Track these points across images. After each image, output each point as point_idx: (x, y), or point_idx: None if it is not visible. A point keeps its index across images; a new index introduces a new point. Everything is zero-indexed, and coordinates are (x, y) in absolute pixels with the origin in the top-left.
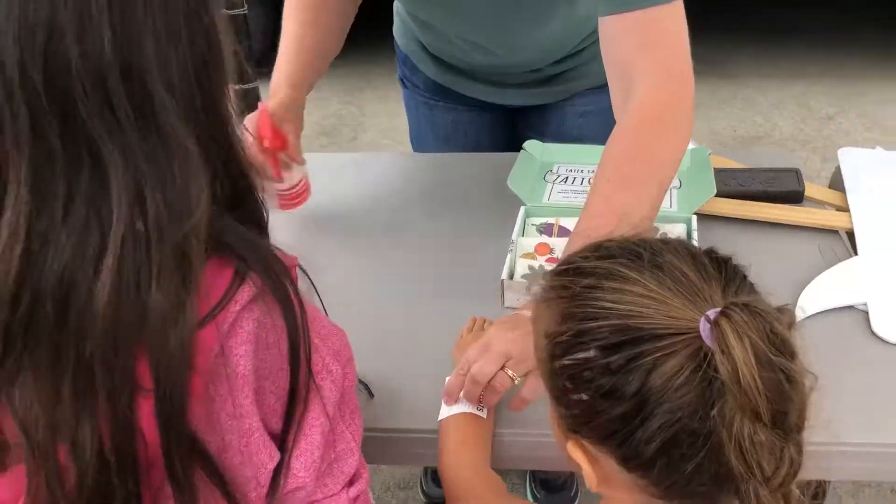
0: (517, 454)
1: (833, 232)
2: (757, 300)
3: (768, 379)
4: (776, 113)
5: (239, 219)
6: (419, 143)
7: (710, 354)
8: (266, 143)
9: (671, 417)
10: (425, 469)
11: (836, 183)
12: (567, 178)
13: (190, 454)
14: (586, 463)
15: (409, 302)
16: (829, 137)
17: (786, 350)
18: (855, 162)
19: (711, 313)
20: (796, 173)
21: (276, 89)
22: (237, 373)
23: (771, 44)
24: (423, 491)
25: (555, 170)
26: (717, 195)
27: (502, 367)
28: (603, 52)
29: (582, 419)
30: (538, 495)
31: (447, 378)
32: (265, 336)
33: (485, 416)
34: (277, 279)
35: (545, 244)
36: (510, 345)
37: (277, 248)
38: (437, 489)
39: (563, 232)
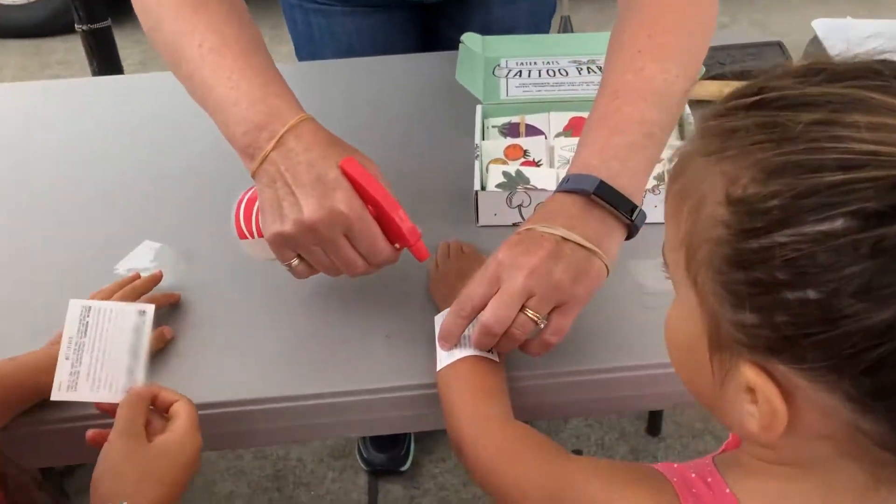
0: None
1: None
2: None
3: None
4: None
5: None
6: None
7: None
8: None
9: None
10: None
11: (810, 53)
12: (521, 71)
13: None
14: (779, 398)
15: None
16: None
17: None
18: (830, 30)
19: None
20: (779, 45)
21: (275, 126)
22: None
23: None
24: (362, 458)
25: (503, 64)
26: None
27: (522, 308)
28: None
29: (798, 331)
30: (365, 454)
31: (436, 318)
32: None
33: (497, 360)
34: None
35: (516, 146)
36: (529, 277)
37: None
38: (377, 454)
39: (532, 131)
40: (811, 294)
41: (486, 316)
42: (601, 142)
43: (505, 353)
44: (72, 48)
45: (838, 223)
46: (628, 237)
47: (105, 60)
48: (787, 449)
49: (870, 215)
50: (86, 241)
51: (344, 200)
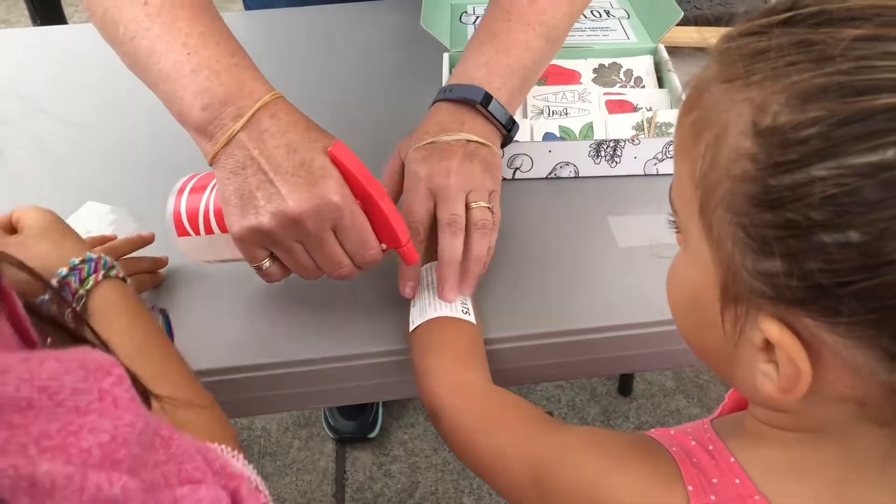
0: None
1: None
2: None
3: None
4: None
5: None
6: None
7: None
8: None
9: None
10: None
11: None
12: None
13: None
14: (804, 356)
15: None
16: None
17: None
18: None
19: None
20: None
21: (244, 102)
22: None
23: None
24: (328, 426)
25: (470, 10)
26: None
27: (467, 207)
28: None
29: (834, 279)
30: (332, 422)
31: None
32: None
33: (473, 322)
34: None
35: None
36: (457, 178)
37: None
38: (345, 422)
39: None
40: (853, 236)
41: (442, 216)
42: (487, 57)
43: (482, 254)
44: (13, 5)
45: (890, 153)
46: (503, 144)
47: (49, 20)
48: (802, 413)
49: None
50: (26, 199)
51: (336, 190)
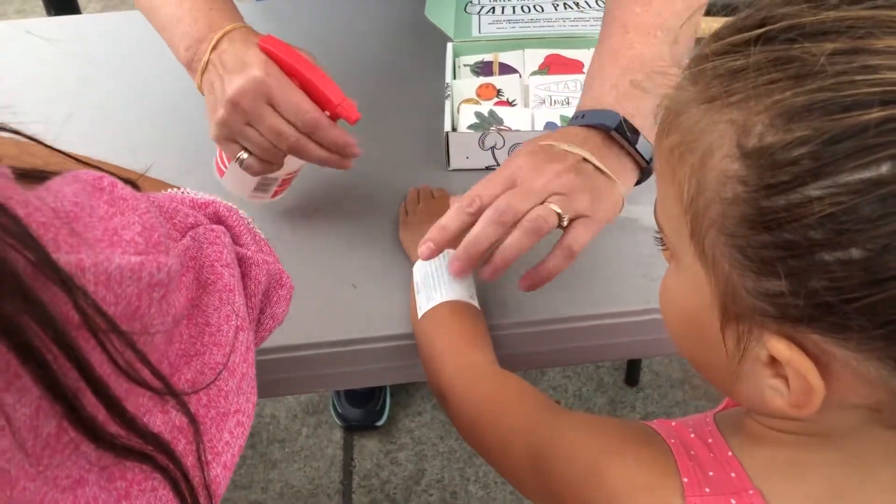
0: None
1: None
2: None
3: None
4: None
5: None
6: None
7: None
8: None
9: None
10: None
11: None
12: (493, 7)
13: None
14: (815, 372)
15: (322, 181)
16: None
17: None
18: None
19: None
20: None
21: (213, 36)
22: None
23: None
24: (336, 414)
25: (475, 0)
26: None
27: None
28: None
29: (839, 296)
30: (340, 410)
31: (415, 268)
32: None
33: (477, 307)
34: None
35: (489, 85)
36: (552, 180)
37: None
38: (352, 410)
39: (505, 69)
40: (855, 253)
41: (500, 202)
42: (613, 79)
43: (518, 254)
44: None
45: (884, 168)
46: (639, 182)
47: (64, 11)
48: (813, 420)
49: None
50: None
51: (259, 67)
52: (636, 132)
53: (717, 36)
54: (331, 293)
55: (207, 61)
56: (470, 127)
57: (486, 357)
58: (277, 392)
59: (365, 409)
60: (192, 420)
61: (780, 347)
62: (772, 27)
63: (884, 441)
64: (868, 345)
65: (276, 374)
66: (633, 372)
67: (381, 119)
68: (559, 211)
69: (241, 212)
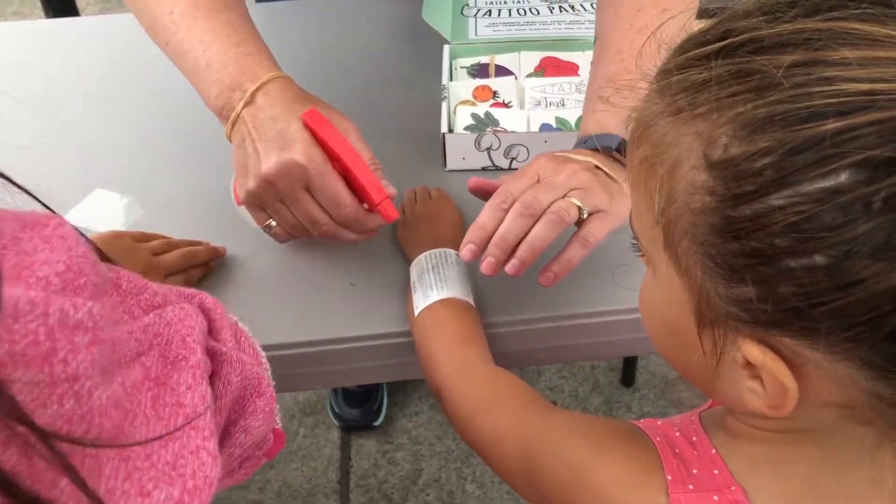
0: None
1: None
2: None
3: None
4: None
5: None
6: None
7: None
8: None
9: None
10: (334, 388)
11: None
12: (490, 11)
13: None
14: (788, 375)
15: None
16: None
17: None
18: None
19: None
20: None
21: (246, 85)
22: None
23: None
24: (334, 414)
25: (472, 3)
26: None
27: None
28: None
29: (807, 301)
30: (337, 410)
31: (412, 267)
32: None
33: (473, 305)
34: None
35: (485, 87)
36: (571, 177)
37: None
38: (350, 410)
39: (502, 72)
40: (819, 259)
41: (525, 197)
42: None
43: (544, 245)
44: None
45: (843, 177)
46: None
47: (62, 13)
48: (790, 418)
49: (879, 164)
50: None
51: (302, 151)
52: None
53: (681, 49)
54: (329, 291)
55: (239, 114)
56: (466, 128)
57: (481, 355)
58: (277, 390)
59: (362, 409)
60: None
61: (754, 351)
62: (732, 40)
63: (859, 437)
64: (836, 346)
65: (274, 372)
66: (628, 372)
67: (379, 120)
68: (579, 204)
69: (230, 315)
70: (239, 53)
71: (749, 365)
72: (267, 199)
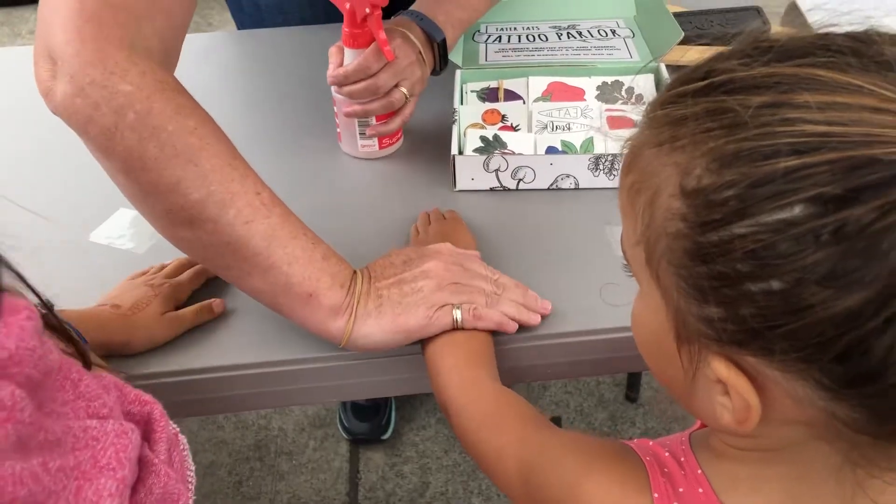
0: (506, 365)
1: None
2: None
3: None
4: None
5: None
6: (267, 16)
7: None
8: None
9: None
10: (343, 402)
11: (788, 21)
12: (500, 37)
13: None
14: (751, 391)
15: (336, 200)
16: None
17: None
18: None
19: None
20: (757, 10)
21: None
22: None
23: None
24: (343, 427)
25: (483, 30)
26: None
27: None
28: None
29: (764, 323)
30: (346, 423)
31: None
32: None
33: None
34: None
35: (494, 111)
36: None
37: None
38: (358, 423)
39: (510, 96)
40: (775, 285)
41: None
42: (448, 7)
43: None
44: None
45: (797, 210)
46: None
47: None
48: (759, 436)
49: (828, 200)
50: (59, 209)
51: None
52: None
53: (670, 86)
54: None
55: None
56: (476, 150)
57: (488, 374)
58: (291, 402)
59: (371, 422)
60: None
61: (721, 368)
62: (712, 80)
63: (826, 454)
64: (792, 367)
65: (288, 387)
66: (633, 388)
67: None
68: (405, 92)
69: (172, 427)
70: (330, 253)
71: (720, 381)
72: (457, 282)
